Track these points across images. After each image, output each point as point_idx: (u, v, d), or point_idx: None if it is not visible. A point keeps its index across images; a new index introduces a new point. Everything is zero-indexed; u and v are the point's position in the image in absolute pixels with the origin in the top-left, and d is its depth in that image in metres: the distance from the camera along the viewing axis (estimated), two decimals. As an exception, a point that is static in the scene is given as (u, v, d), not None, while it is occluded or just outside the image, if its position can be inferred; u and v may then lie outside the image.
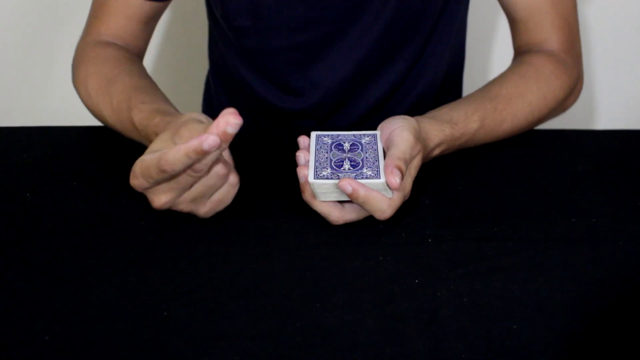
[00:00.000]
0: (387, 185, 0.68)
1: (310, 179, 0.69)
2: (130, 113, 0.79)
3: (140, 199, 0.79)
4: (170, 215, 0.76)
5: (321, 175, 0.69)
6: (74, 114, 1.42)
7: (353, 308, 0.64)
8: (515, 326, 0.62)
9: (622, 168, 0.85)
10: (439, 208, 0.77)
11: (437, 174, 0.83)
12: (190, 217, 0.76)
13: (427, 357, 0.59)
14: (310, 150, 0.72)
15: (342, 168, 0.70)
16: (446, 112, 0.81)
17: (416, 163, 0.72)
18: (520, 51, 0.95)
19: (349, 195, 0.67)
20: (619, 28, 1.39)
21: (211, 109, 1.16)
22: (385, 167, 0.68)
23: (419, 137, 0.73)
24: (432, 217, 0.76)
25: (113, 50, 0.91)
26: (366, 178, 0.68)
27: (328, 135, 0.74)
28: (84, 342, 0.61)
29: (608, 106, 1.47)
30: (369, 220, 0.74)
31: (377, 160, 0.70)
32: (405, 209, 0.77)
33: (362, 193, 0.67)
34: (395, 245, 0.72)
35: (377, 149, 0.72)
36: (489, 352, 0.60)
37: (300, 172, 0.70)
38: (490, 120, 0.82)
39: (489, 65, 1.49)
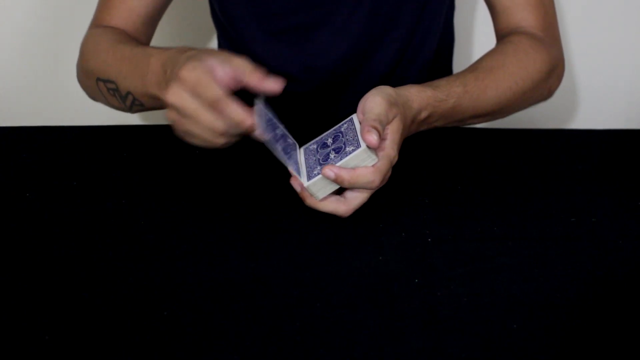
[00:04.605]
0: (369, 150, 0.69)
1: (305, 183, 0.70)
2: (149, 59, 0.80)
3: (140, 199, 0.79)
4: (170, 215, 0.76)
5: (313, 175, 0.70)
6: (75, 114, 1.42)
7: (353, 308, 0.64)
8: (515, 326, 0.62)
9: (622, 168, 0.85)
10: (439, 208, 0.77)
11: (437, 174, 0.83)
12: (190, 217, 0.76)
13: (427, 357, 0.59)
14: (300, 162, 0.74)
15: (329, 159, 0.71)
16: (428, 82, 0.83)
17: (396, 126, 0.73)
18: (501, 36, 0.97)
19: (335, 182, 0.69)
20: (619, 27, 1.39)
21: None
22: (362, 130, 0.69)
23: (394, 102, 0.74)
24: (432, 217, 0.76)
25: (119, 29, 0.96)
26: (349, 154, 0.69)
27: (313, 143, 0.76)
28: (84, 342, 0.61)
29: (607, 105, 1.47)
30: (369, 220, 0.74)
31: (357, 135, 0.71)
32: (405, 209, 0.77)
33: (345, 175, 0.68)
34: (395, 245, 0.72)
35: (355, 128, 0.73)
36: (489, 352, 0.60)
37: (294, 182, 0.72)
38: (472, 86, 0.84)
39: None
